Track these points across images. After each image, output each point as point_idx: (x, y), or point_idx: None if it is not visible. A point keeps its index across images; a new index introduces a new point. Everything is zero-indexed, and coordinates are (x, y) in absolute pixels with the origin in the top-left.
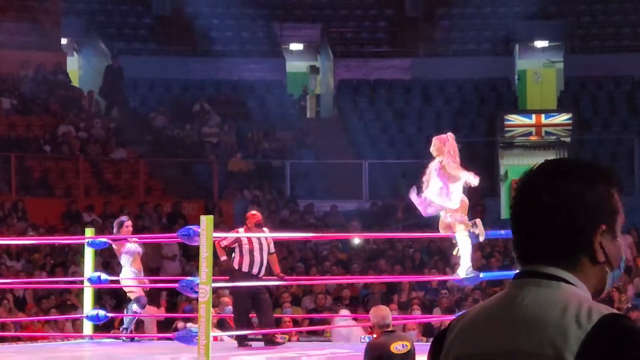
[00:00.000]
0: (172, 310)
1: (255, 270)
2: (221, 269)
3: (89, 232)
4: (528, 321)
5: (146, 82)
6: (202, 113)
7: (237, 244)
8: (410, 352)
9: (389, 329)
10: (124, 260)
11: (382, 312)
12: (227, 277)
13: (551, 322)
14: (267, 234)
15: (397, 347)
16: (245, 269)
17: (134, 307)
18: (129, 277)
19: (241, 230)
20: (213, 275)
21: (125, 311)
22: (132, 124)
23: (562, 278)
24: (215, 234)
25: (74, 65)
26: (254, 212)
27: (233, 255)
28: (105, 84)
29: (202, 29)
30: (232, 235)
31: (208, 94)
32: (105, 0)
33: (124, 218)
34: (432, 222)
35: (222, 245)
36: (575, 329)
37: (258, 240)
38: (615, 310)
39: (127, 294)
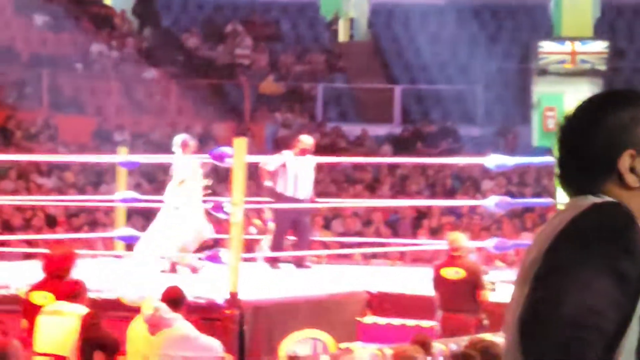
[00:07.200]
0: None
1: (299, 195)
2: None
3: (122, 151)
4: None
5: (179, 2)
6: (235, 34)
7: (282, 168)
8: (464, 280)
9: (453, 253)
10: None
11: (448, 237)
12: (272, 200)
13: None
14: (310, 157)
15: (448, 273)
16: (290, 193)
17: None
18: None
19: (286, 152)
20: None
21: None
22: (164, 44)
23: None
24: (248, 157)
25: None
26: (308, 138)
27: (278, 179)
28: (138, 3)
29: None
30: (278, 159)
31: (241, 16)
32: None
33: (187, 137)
34: (464, 150)
35: (269, 171)
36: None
37: (304, 164)
38: (615, 201)
39: None
